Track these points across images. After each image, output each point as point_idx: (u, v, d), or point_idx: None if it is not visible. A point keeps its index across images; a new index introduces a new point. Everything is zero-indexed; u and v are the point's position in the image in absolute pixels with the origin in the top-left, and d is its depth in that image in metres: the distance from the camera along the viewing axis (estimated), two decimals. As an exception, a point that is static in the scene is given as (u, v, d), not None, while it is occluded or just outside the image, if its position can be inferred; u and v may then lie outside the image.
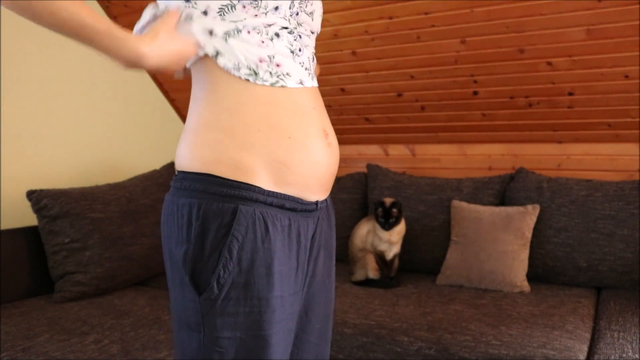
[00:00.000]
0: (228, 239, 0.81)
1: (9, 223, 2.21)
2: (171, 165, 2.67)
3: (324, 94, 2.64)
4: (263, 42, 0.86)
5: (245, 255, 0.82)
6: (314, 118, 0.90)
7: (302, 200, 0.89)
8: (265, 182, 0.85)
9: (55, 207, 2.06)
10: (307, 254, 0.92)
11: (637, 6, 1.81)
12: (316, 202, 0.92)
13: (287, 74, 0.88)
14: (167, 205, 0.88)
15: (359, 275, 2.23)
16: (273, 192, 0.85)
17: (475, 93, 2.37)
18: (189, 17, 0.85)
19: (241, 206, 0.82)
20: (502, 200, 2.32)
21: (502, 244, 2.10)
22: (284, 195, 0.87)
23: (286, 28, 0.89)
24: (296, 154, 0.86)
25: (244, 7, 0.84)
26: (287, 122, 0.86)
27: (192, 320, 0.85)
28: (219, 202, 0.82)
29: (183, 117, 3.09)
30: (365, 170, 2.76)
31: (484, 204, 2.29)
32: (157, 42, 0.81)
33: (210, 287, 0.82)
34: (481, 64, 2.23)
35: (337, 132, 2.84)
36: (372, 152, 2.87)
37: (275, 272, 0.84)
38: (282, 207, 0.86)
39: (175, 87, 2.93)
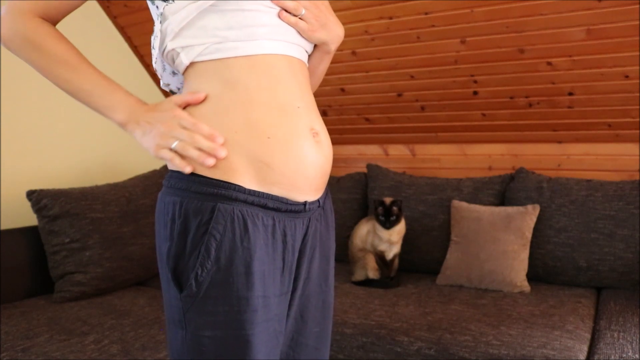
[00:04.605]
0: (206, 237, 0.82)
1: (9, 223, 2.21)
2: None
3: (324, 94, 2.65)
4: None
5: (223, 254, 0.82)
6: (299, 117, 0.88)
7: (287, 200, 0.88)
8: (247, 181, 0.84)
9: (55, 207, 2.06)
10: (294, 255, 0.91)
11: (637, 6, 1.81)
12: (304, 203, 0.91)
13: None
14: (157, 203, 0.89)
15: (359, 275, 2.23)
16: (254, 191, 0.84)
17: (475, 93, 2.37)
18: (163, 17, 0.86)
19: (220, 204, 0.82)
20: (502, 200, 2.32)
21: (502, 244, 2.10)
22: (267, 194, 0.85)
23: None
24: (278, 154, 0.85)
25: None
26: (268, 122, 0.85)
27: (176, 318, 0.85)
28: (199, 200, 0.83)
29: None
30: (365, 170, 2.76)
31: (484, 204, 2.29)
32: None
33: (189, 285, 0.82)
34: (481, 64, 2.23)
35: (337, 132, 2.85)
36: (372, 152, 2.87)
37: (255, 271, 0.84)
38: (264, 207, 0.86)
39: (175, 87, 2.93)
